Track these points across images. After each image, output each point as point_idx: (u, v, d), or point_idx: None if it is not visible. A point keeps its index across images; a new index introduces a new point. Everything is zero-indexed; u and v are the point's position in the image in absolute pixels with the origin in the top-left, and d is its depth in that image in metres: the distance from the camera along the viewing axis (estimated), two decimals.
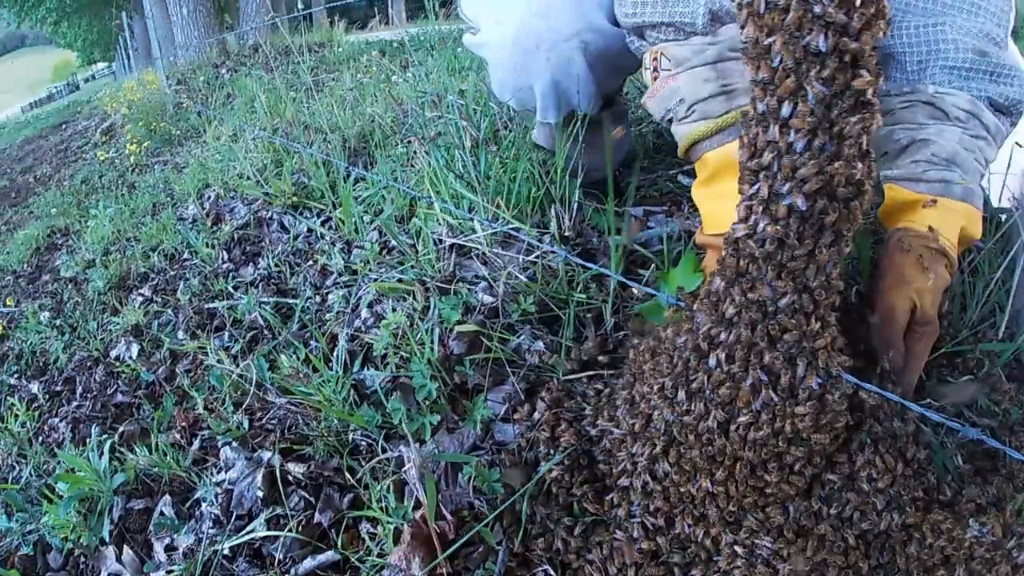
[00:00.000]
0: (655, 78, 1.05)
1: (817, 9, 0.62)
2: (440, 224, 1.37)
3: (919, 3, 1.10)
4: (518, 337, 1.12)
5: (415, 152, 1.84)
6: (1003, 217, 1.18)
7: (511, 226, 1.23)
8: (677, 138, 1.04)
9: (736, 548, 0.84)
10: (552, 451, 0.95)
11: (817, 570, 0.82)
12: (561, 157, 1.31)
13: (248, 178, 2.39)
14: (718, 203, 1.01)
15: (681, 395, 0.83)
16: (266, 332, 1.66)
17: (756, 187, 0.71)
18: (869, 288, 1.01)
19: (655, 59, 1.06)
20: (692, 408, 0.82)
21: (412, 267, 1.37)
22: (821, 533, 0.83)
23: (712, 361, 0.80)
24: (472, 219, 1.30)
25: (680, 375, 0.83)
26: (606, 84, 1.35)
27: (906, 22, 1.11)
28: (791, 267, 0.72)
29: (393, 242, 1.53)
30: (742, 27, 0.68)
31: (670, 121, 1.05)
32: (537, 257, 1.19)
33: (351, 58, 3.75)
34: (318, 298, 1.61)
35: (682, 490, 0.87)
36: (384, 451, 1.08)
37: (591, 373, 1.04)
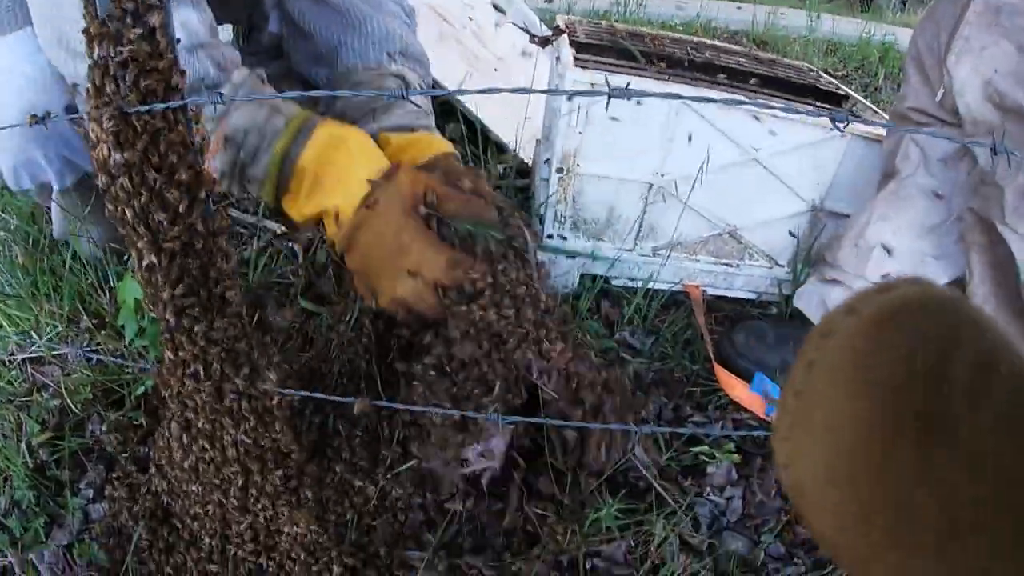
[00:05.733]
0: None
1: None
2: (9, 339, 1.47)
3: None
4: (91, 425, 1.30)
5: None
6: None
7: (58, 331, 1.37)
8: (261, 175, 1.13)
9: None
10: (135, 521, 1.16)
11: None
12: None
13: None
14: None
15: (186, 438, 1.07)
16: None
17: None
18: None
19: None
20: (192, 446, 1.06)
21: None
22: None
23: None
24: (31, 330, 1.42)
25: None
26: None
27: (365, 24, 1.43)
28: None
29: None
30: None
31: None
32: (92, 348, 1.36)
33: None
34: None
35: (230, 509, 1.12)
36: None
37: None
